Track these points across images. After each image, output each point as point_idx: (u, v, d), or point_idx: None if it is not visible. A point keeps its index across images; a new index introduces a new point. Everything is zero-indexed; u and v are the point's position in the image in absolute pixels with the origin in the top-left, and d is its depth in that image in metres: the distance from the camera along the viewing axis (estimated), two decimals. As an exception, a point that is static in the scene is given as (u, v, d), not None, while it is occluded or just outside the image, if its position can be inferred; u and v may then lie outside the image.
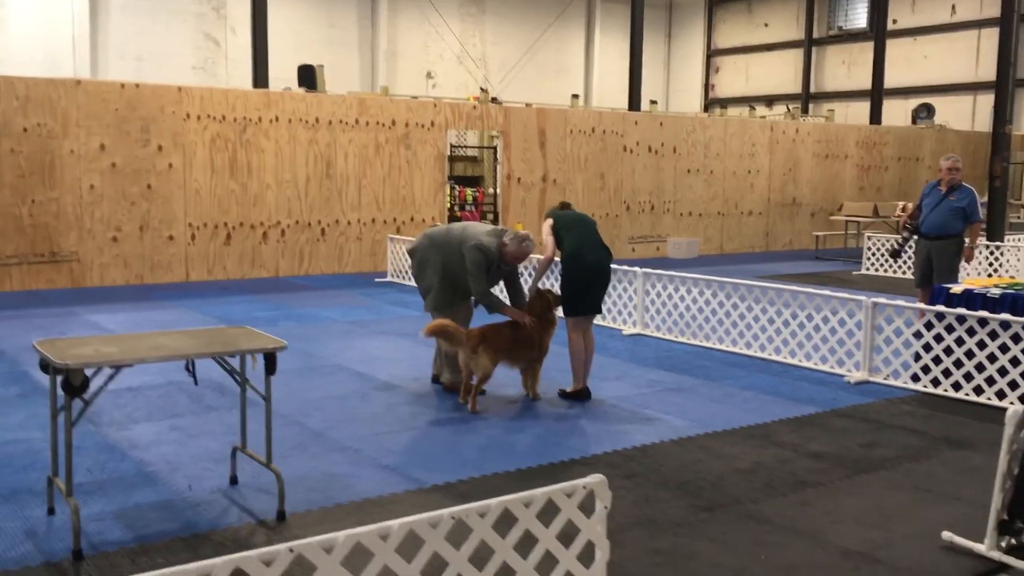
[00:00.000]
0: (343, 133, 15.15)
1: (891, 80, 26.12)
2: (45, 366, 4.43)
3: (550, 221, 7.34)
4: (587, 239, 7.23)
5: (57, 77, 13.34)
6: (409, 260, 7.66)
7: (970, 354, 7.35)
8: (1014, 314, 7.21)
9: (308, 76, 16.02)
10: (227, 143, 14.15)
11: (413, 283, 10.25)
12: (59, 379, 4.31)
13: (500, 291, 7.54)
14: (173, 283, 13.78)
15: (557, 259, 7.38)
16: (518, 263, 7.24)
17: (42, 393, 6.98)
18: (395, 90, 23.17)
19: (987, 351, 7.21)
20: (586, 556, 3.40)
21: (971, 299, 7.63)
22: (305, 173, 14.86)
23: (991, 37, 23.29)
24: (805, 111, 27.91)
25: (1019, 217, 23.10)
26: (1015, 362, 7.05)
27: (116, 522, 4.67)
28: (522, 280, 7.58)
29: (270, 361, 4.81)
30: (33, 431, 6.18)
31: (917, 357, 7.80)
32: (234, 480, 5.26)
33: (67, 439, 4.32)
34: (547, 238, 7.26)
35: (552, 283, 10.99)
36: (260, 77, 16.04)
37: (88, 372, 4.32)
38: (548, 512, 3.25)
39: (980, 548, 4.38)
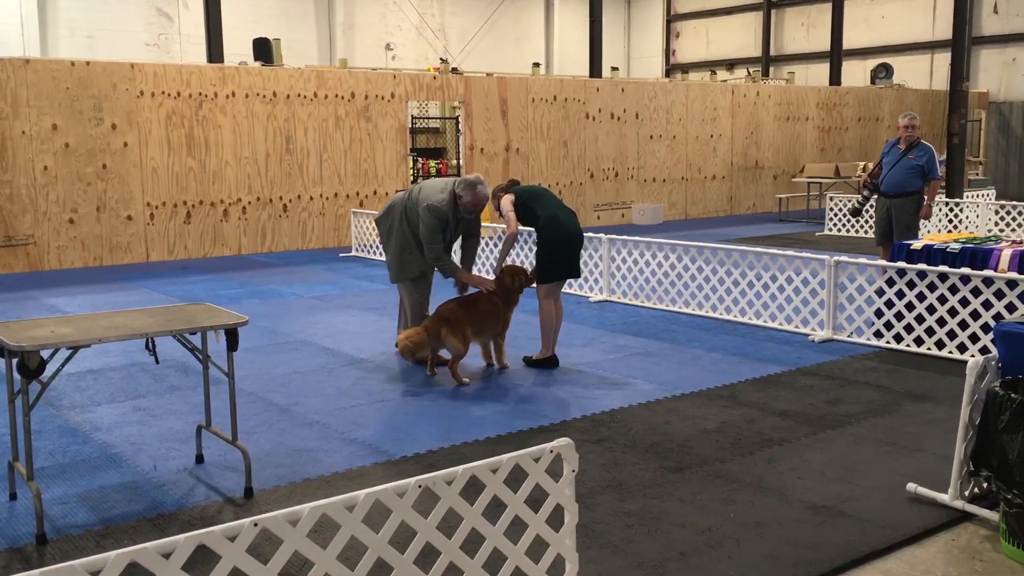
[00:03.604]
0: (302, 107, 14.94)
1: (850, 41, 26.23)
2: (0, 349, 4.34)
3: (511, 196, 7.27)
4: (559, 206, 7.25)
5: (5, 56, 13.00)
6: (377, 229, 7.60)
7: (931, 309, 7.44)
8: (973, 268, 7.30)
9: (264, 50, 15.76)
10: (183, 120, 13.91)
11: (379, 257, 10.13)
12: (14, 362, 4.22)
13: (456, 251, 7.60)
14: (133, 264, 13.57)
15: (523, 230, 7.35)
16: (478, 209, 7.19)
17: None
18: (353, 62, 22.89)
19: (948, 305, 7.30)
20: (555, 520, 3.40)
21: (931, 255, 7.71)
22: (264, 149, 14.66)
23: (947, -4, 23.42)
24: (766, 74, 27.97)
25: (977, 174, 23.40)
26: (975, 316, 7.14)
27: (80, 505, 4.60)
28: (487, 253, 7.55)
29: (231, 337, 4.74)
30: (-8, 417, 6.07)
31: (879, 314, 7.88)
32: (200, 459, 5.20)
33: (25, 423, 4.23)
34: (510, 213, 7.19)
35: (520, 257, 10.96)
36: (215, 52, 15.72)
37: (44, 354, 4.23)
38: (516, 478, 3.24)
39: (944, 498, 4.45)
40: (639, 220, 18.75)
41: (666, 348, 7.92)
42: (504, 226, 7.48)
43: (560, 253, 7.15)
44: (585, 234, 10.04)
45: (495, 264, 7.38)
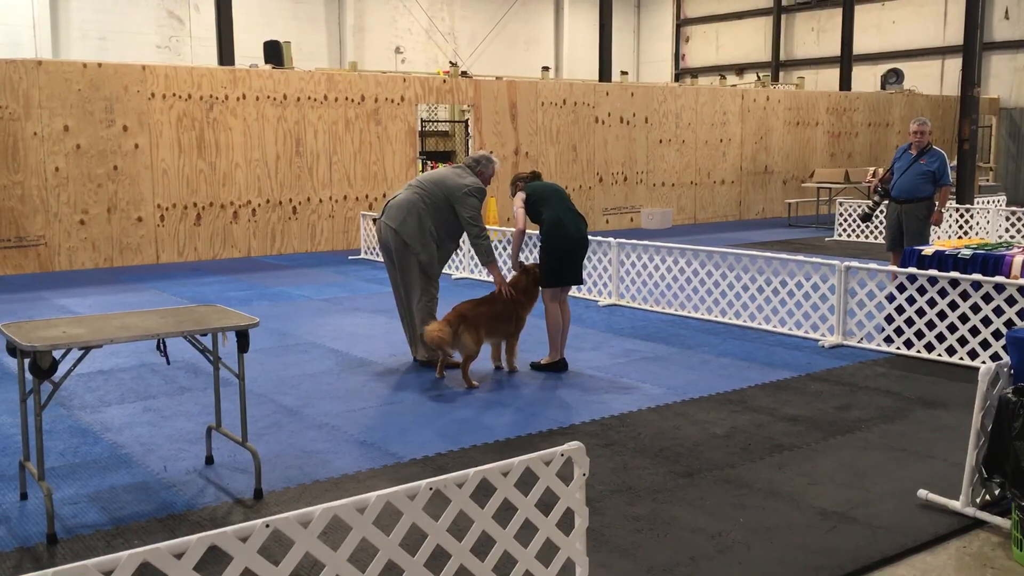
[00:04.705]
0: (312, 110, 14.98)
1: (860, 46, 26.18)
2: (12, 349, 4.35)
3: (522, 195, 7.27)
4: (565, 209, 7.19)
5: (18, 58, 13.07)
6: (398, 239, 7.22)
7: (942, 315, 7.41)
8: (984, 274, 7.27)
9: (275, 52, 15.81)
10: (194, 122, 13.96)
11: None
12: (27, 362, 4.24)
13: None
14: (143, 265, 13.62)
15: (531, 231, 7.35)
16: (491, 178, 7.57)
17: (11, 377, 6.89)
18: (363, 65, 22.93)
19: (959, 312, 7.27)
20: (565, 524, 3.40)
21: (942, 260, 7.68)
22: (274, 151, 14.70)
23: (958, 1, 23.35)
24: (775, 79, 27.92)
25: (988, 180, 23.32)
26: (986, 322, 7.11)
27: (90, 505, 4.62)
28: (499, 254, 7.58)
29: (242, 339, 4.75)
30: (3, 416, 6.09)
31: (890, 319, 7.86)
32: (210, 460, 5.21)
33: (37, 423, 4.25)
34: (519, 211, 7.20)
35: (530, 256, 10.95)
36: (226, 54, 15.79)
37: (56, 354, 4.24)
38: (526, 481, 3.23)
39: (955, 505, 4.43)
40: (648, 224, 18.73)
41: (675, 352, 7.91)
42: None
43: (561, 257, 7.11)
44: (594, 238, 10.06)
45: (510, 261, 7.41)
